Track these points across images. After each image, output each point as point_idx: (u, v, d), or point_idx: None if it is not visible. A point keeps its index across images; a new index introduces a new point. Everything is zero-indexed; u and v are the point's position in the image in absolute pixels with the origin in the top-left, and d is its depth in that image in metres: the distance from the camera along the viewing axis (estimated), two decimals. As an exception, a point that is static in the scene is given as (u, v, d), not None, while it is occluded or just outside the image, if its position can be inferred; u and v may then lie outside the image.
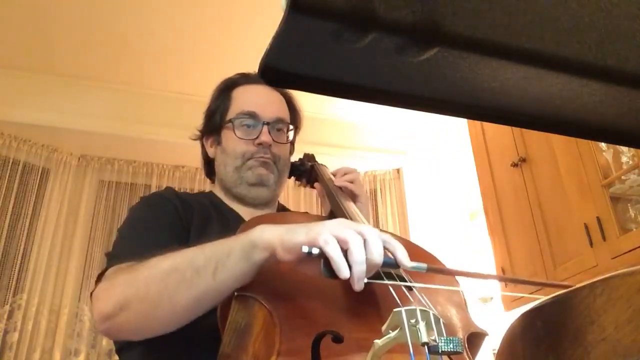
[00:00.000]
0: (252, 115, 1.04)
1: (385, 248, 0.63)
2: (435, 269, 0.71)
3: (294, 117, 1.13)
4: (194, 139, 1.14)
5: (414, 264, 0.62)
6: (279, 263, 0.66)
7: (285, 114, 1.09)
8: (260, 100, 1.06)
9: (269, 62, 0.29)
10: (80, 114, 2.93)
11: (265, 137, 1.02)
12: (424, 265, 0.62)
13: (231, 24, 2.62)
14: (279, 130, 1.07)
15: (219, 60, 2.80)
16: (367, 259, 0.60)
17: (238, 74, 1.13)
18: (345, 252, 0.60)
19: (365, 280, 0.60)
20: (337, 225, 0.63)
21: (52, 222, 2.91)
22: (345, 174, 1.09)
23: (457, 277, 0.84)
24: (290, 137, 1.11)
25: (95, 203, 3.14)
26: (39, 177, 2.98)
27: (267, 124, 1.03)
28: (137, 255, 0.76)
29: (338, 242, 0.60)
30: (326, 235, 0.60)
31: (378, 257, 0.61)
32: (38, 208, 2.94)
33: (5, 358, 2.59)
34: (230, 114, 1.06)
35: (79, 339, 2.80)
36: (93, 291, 0.79)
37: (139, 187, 3.24)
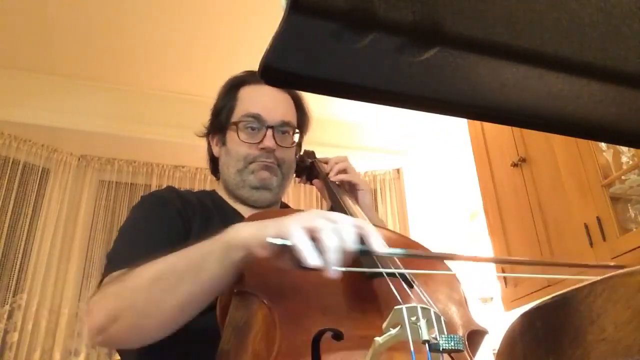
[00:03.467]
0: (256, 117, 1.02)
1: (360, 235, 0.62)
2: (413, 254, 0.70)
3: (301, 118, 1.11)
4: (201, 136, 1.13)
5: (389, 250, 0.62)
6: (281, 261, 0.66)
7: (291, 116, 1.08)
8: (266, 102, 1.05)
9: (269, 62, 0.29)
10: (80, 114, 2.94)
11: (268, 142, 1.01)
12: (400, 250, 0.62)
13: (231, 24, 2.62)
14: (284, 132, 1.05)
15: (219, 60, 2.80)
16: (339, 246, 0.59)
17: (246, 71, 1.11)
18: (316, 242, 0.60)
19: (342, 269, 0.59)
20: (308, 216, 0.63)
21: (52, 222, 2.92)
22: (336, 163, 1.10)
23: (457, 272, 0.84)
24: (296, 140, 1.09)
25: (95, 203, 3.15)
26: (39, 177, 2.98)
27: (272, 127, 1.02)
28: (134, 260, 0.76)
29: (308, 231, 0.60)
30: (294, 226, 0.60)
31: (350, 243, 0.60)
32: (38, 208, 2.94)
33: (5, 358, 2.59)
34: (236, 115, 1.05)
35: (79, 339, 2.80)
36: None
37: (139, 187, 3.24)
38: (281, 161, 1.04)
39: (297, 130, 1.09)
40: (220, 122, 1.07)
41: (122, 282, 0.74)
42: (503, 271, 2.12)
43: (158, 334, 0.72)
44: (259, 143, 1.02)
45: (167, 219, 0.92)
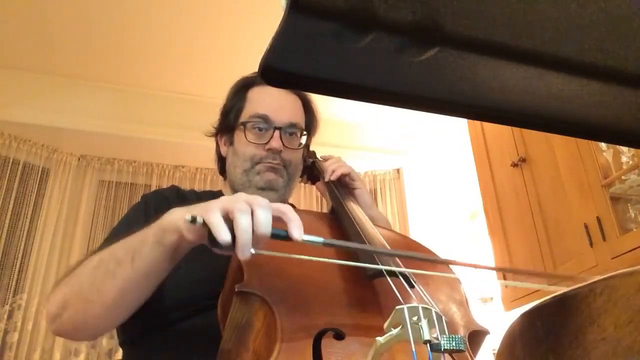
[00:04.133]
0: (264, 118, 1.03)
1: (280, 219, 0.62)
2: (330, 244, 0.65)
3: (309, 120, 1.12)
4: (209, 136, 1.14)
5: (308, 237, 0.60)
6: (280, 260, 0.66)
7: (299, 118, 1.08)
8: (274, 103, 1.05)
9: (269, 62, 0.29)
10: (80, 114, 2.94)
11: (275, 143, 1.01)
12: (320, 239, 0.60)
13: (231, 24, 2.62)
14: (291, 134, 1.05)
15: (219, 60, 2.80)
16: (250, 226, 0.59)
17: (256, 72, 1.11)
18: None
19: (255, 251, 0.59)
20: (230, 198, 0.63)
21: (52, 222, 2.92)
22: (333, 163, 1.10)
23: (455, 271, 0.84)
24: (303, 142, 1.09)
25: (95, 203, 3.15)
26: (39, 177, 2.98)
27: (279, 128, 1.02)
28: None
29: (225, 212, 0.61)
30: (213, 206, 0.61)
31: (264, 226, 0.60)
32: (38, 208, 2.94)
33: (5, 358, 2.59)
34: (244, 116, 1.05)
35: (79, 339, 2.80)
36: None
37: (139, 187, 3.24)
38: (287, 162, 1.04)
39: (304, 132, 1.09)
40: (228, 122, 1.07)
41: (73, 271, 0.77)
42: (505, 278, 2.12)
43: (103, 322, 0.74)
44: (266, 144, 1.02)
45: (157, 218, 0.93)
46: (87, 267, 0.75)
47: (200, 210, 0.62)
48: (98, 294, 0.72)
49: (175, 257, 0.71)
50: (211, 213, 0.60)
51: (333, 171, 1.08)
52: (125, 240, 0.73)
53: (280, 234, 0.61)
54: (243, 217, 0.59)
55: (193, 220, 0.60)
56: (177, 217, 0.67)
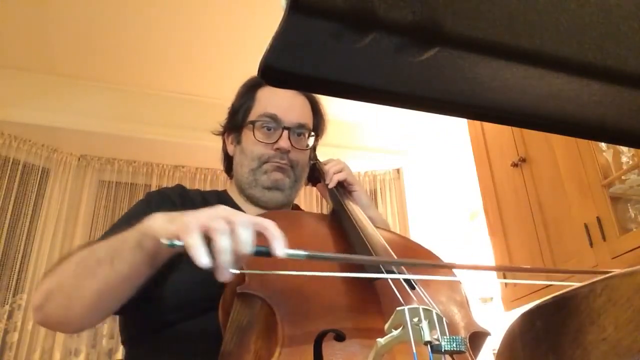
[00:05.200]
0: (273, 118, 1.03)
1: (262, 235, 0.60)
2: (316, 256, 0.63)
3: (317, 122, 1.12)
4: (216, 134, 1.14)
5: (291, 251, 0.58)
6: (282, 261, 0.65)
7: (307, 119, 1.08)
8: (283, 103, 1.05)
9: (269, 62, 0.29)
10: (80, 114, 2.94)
11: (284, 143, 1.02)
12: (303, 252, 0.58)
13: (231, 24, 2.62)
14: (299, 135, 1.06)
15: (219, 60, 2.80)
16: (234, 248, 0.57)
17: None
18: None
19: (236, 271, 0.57)
20: (207, 214, 0.61)
21: (52, 222, 2.92)
22: (331, 168, 1.09)
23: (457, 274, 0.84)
24: (311, 144, 1.09)
25: (95, 203, 3.15)
26: (39, 177, 2.98)
27: (288, 128, 1.03)
28: None
29: (205, 231, 0.58)
30: (191, 226, 0.58)
31: (244, 246, 0.58)
32: (38, 208, 2.94)
33: (5, 358, 2.59)
34: (253, 115, 1.05)
35: (79, 339, 2.80)
36: None
37: (139, 187, 3.24)
38: (295, 163, 1.04)
39: (312, 134, 1.09)
40: (237, 121, 1.07)
41: (59, 265, 0.78)
42: (504, 277, 2.12)
43: (81, 318, 0.75)
44: (274, 143, 1.02)
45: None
46: (71, 262, 0.76)
47: (178, 227, 0.60)
48: (77, 290, 0.73)
49: (154, 264, 0.70)
50: (189, 235, 0.57)
51: (335, 173, 1.08)
52: (108, 240, 0.73)
53: (262, 251, 0.58)
54: (222, 238, 0.57)
55: (171, 245, 0.58)
56: (157, 224, 0.66)
